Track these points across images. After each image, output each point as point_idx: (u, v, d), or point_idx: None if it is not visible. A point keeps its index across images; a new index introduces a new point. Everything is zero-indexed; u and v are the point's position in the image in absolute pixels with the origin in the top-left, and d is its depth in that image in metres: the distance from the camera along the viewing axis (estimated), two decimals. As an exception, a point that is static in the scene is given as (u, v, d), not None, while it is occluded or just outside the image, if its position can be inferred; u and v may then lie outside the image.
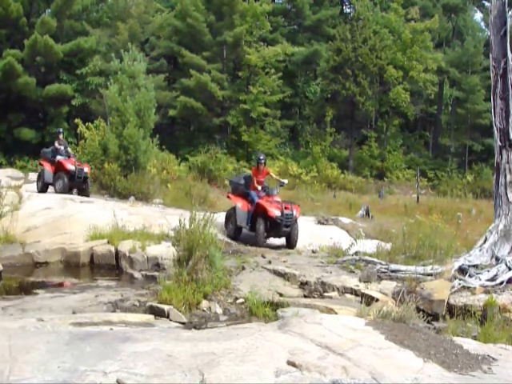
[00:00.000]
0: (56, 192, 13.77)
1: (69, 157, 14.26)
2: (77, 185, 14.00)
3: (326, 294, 7.12)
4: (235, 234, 11.28)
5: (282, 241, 11.09)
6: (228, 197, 12.04)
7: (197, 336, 4.40)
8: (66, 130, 25.46)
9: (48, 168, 14.41)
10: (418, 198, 22.99)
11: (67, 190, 13.71)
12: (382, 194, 24.33)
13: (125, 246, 9.57)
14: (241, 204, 11.18)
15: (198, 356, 3.60)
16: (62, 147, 14.61)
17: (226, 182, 23.50)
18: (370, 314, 5.26)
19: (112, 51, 21.01)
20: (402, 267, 7.99)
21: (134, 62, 15.45)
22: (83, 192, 13.99)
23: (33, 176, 20.55)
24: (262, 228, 10.59)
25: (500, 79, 8.27)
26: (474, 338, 5.16)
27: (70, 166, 13.72)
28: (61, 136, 14.97)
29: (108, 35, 28.26)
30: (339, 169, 28.96)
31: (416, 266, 7.88)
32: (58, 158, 14.19)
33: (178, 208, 13.24)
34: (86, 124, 16.20)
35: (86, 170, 14.01)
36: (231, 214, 11.49)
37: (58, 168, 14.00)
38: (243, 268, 8.14)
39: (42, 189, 14.46)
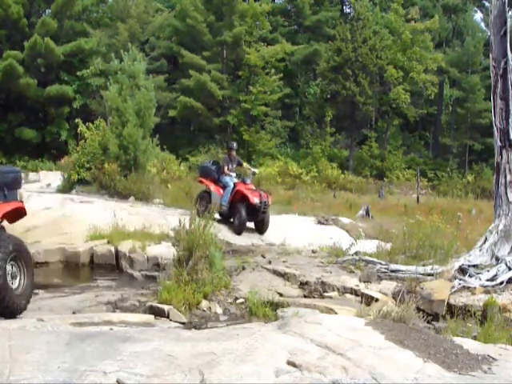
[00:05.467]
0: (235, 230, 11.35)
1: (244, 182, 11.62)
2: (257, 218, 11.59)
3: (326, 294, 7.12)
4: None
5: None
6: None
7: (197, 336, 4.40)
8: (66, 129, 25.57)
9: (215, 190, 11.88)
10: (418, 198, 22.98)
11: (244, 226, 11.48)
12: (382, 194, 24.32)
13: (125, 246, 9.58)
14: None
15: (198, 356, 3.60)
16: (235, 165, 12.23)
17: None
18: (369, 313, 5.26)
19: (112, 51, 21.00)
20: (402, 267, 7.99)
21: (134, 62, 15.43)
22: (261, 225, 11.64)
23: (33, 176, 20.58)
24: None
25: (500, 79, 8.27)
26: (474, 338, 5.16)
27: (256, 200, 11.17)
28: (233, 152, 12.25)
29: (108, 35, 28.30)
30: (339, 169, 28.97)
31: (416, 266, 7.87)
32: (230, 180, 11.72)
33: (178, 208, 13.23)
34: (86, 124, 16.15)
35: (269, 200, 11.54)
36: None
37: (237, 197, 11.43)
38: (243, 268, 8.14)
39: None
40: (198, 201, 11.92)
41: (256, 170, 12.87)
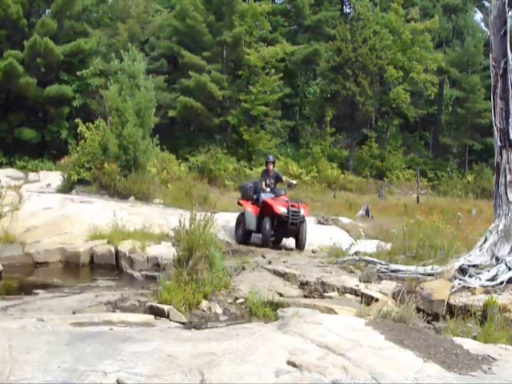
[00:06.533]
0: (262, 243, 10.54)
1: (276, 194, 10.91)
2: (289, 233, 10.77)
3: (325, 294, 7.12)
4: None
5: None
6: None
7: (197, 336, 4.40)
8: (66, 129, 25.56)
9: (250, 210, 10.92)
10: (418, 198, 22.98)
11: (270, 242, 10.62)
12: (382, 194, 24.33)
13: (125, 246, 9.59)
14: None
15: (198, 356, 3.60)
16: (273, 180, 11.31)
17: (227, 182, 23.55)
18: (370, 314, 5.26)
19: (112, 51, 21.00)
20: (402, 267, 8.00)
21: (134, 62, 15.44)
22: (297, 239, 10.76)
23: (33, 176, 20.59)
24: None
25: (500, 79, 8.27)
26: (474, 338, 5.16)
27: (282, 210, 10.29)
28: (271, 166, 11.40)
29: (108, 35, 28.29)
30: (339, 169, 28.96)
31: (416, 266, 7.88)
32: (264, 196, 10.87)
33: (178, 208, 13.23)
34: (86, 124, 16.15)
35: (303, 212, 10.56)
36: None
37: (264, 210, 10.58)
38: (243, 268, 8.14)
39: (244, 238, 10.99)
40: (236, 225, 11.30)
41: (294, 182, 12.00)
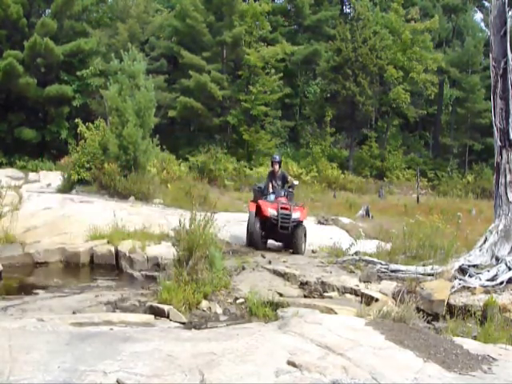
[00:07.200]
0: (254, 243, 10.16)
1: (276, 196, 10.47)
2: (281, 237, 10.29)
3: (326, 294, 7.12)
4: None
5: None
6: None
7: (197, 336, 4.40)
8: (66, 129, 25.56)
9: (253, 212, 10.37)
10: (418, 198, 22.99)
11: (260, 243, 10.18)
12: (382, 194, 24.34)
13: (125, 246, 9.59)
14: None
15: (198, 356, 3.60)
16: (280, 182, 10.81)
17: (227, 182, 23.57)
18: (370, 313, 5.26)
19: (112, 51, 21.00)
20: (402, 267, 8.00)
21: (134, 62, 15.43)
22: (295, 249, 10.01)
23: (33, 176, 20.60)
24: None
25: (500, 79, 8.28)
26: (474, 338, 5.17)
27: (271, 212, 9.84)
28: (277, 166, 10.81)
29: (108, 35, 28.29)
30: (339, 169, 28.97)
31: (416, 266, 7.89)
32: (268, 198, 10.43)
33: (178, 208, 13.23)
34: (86, 124, 16.15)
35: (297, 215, 9.97)
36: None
37: (258, 212, 10.15)
38: (243, 268, 8.14)
39: (251, 241, 10.30)
40: (247, 228, 10.66)
41: (295, 182, 11.42)
